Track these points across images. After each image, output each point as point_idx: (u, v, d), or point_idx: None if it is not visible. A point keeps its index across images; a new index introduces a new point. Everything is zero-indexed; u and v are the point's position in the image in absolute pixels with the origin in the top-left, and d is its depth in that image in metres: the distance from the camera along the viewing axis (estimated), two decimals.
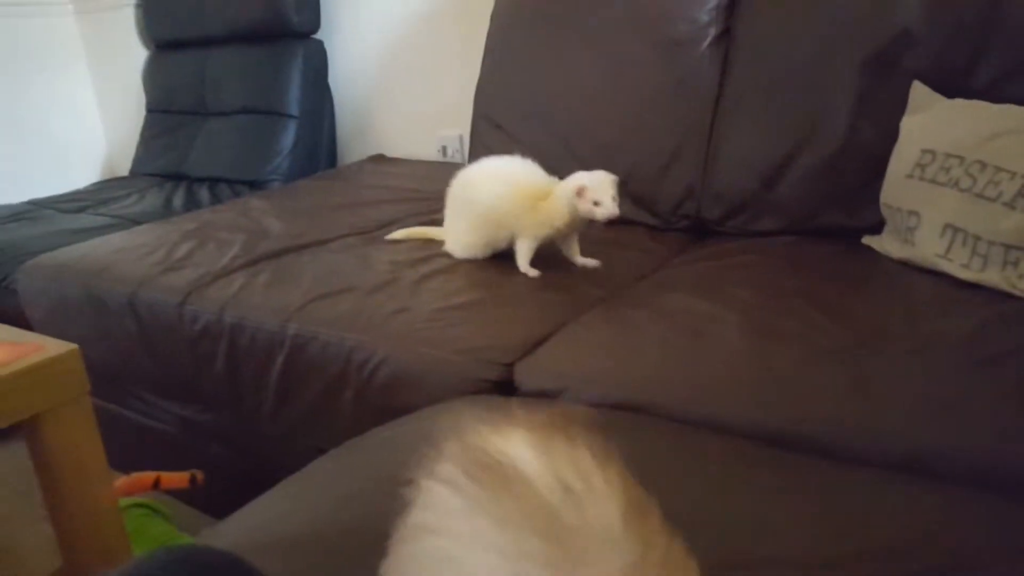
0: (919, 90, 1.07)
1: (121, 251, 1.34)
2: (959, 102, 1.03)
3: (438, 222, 1.24)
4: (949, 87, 1.05)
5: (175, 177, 2.09)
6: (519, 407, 0.52)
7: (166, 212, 1.79)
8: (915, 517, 0.56)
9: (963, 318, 0.84)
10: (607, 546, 0.29)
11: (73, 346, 0.77)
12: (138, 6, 2.25)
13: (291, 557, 0.54)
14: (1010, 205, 0.88)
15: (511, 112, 1.47)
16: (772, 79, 1.20)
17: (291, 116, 1.94)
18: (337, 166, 2.06)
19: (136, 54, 2.29)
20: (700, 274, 1.07)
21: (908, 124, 1.06)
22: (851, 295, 0.95)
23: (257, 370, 1.07)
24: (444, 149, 1.90)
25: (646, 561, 0.29)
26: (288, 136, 1.94)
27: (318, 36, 1.99)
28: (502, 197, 1.09)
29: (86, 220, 1.77)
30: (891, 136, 1.07)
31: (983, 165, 0.92)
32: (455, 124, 1.82)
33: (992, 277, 0.89)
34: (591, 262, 1.12)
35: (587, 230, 1.10)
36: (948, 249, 0.94)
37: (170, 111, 2.21)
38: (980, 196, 0.91)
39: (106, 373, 1.28)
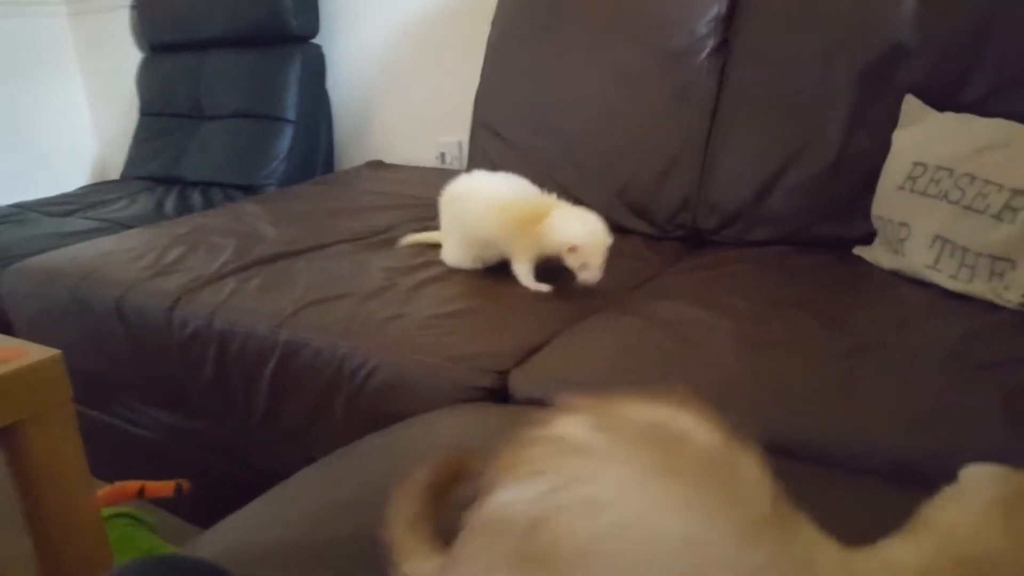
0: (911, 103, 1.08)
1: (109, 255, 1.33)
2: (949, 116, 1.04)
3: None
4: (940, 101, 1.06)
5: (168, 181, 2.07)
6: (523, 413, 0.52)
7: (157, 216, 1.77)
8: (904, 524, 0.56)
9: (951, 328, 0.85)
10: (755, 488, 0.33)
11: (56, 352, 0.76)
12: (132, 8, 2.24)
13: (277, 568, 0.53)
14: (997, 217, 0.89)
15: (510, 120, 1.47)
16: (768, 91, 1.21)
17: (288, 120, 1.93)
18: (334, 171, 2.05)
19: (130, 56, 2.28)
20: (695, 283, 1.07)
21: (900, 137, 1.07)
22: (843, 304, 0.95)
23: (247, 377, 1.05)
24: (443, 156, 1.90)
25: (780, 499, 0.34)
26: (284, 141, 1.93)
27: (316, 40, 1.99)
28: (491, 221, 1.06)
29: (74, 224, 1.75)
30: (883, 148, 1.08)
31: (972, 178, 0.93)
32: (454, 131, 1.82)
33: (979, 288, 0.90)
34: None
35: None
36: (937, 260, 0.95)
37: (164, 114, 2.19)
38: (969, 208, 0.92)
39: (91, 379, 1.26)
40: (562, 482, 0.33)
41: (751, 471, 0.34)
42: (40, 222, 1.79)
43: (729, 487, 0.33)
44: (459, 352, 0.90)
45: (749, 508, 0.33)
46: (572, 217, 1.02)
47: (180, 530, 1.16)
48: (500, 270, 1.11)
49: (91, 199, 1.97)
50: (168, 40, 2.18)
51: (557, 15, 1.43)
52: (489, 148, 1.48)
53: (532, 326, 0.96)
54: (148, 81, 2.24)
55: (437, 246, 1.21)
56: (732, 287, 1.02)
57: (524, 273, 1.08)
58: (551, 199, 1.07)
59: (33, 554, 0.78)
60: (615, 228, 1.04)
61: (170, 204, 1.88)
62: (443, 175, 1.28)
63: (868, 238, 1.10)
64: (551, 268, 1.05)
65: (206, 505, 0.91)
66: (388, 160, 1.98)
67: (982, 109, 1.01)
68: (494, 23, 1.54)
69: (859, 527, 0.55)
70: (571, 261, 0.99)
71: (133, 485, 1.04)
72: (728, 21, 1.26)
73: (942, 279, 0.94)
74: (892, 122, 1.09)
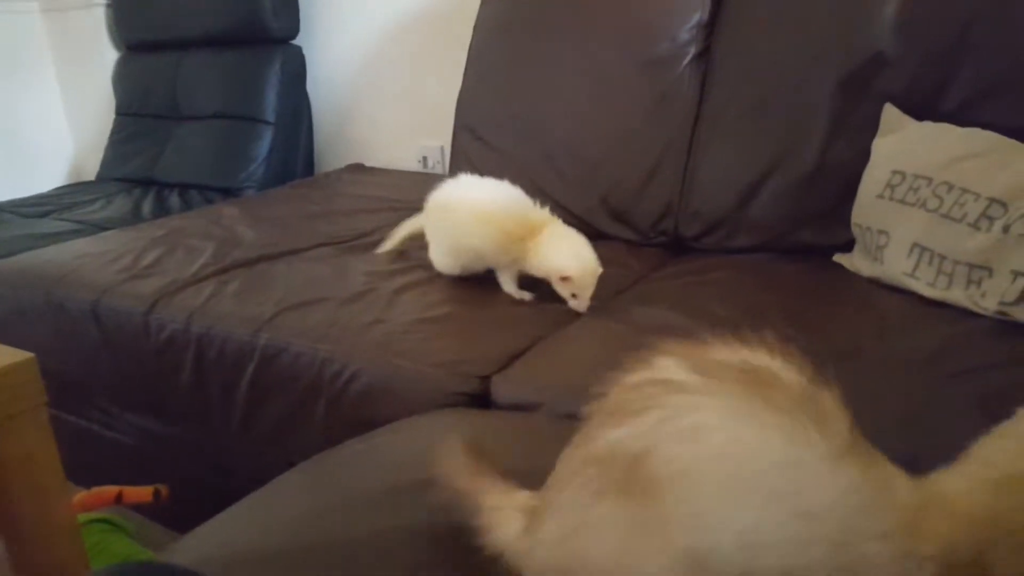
0: (890, 112, 1.10)
1: (85, 257, 1.30)
2: (928, 125, 1.05)
3: None
4: (919, 110, 1.07)
5: (144, 182, 2.03)
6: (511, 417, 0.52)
7: (134, 218, 1.74)
8: None
9: (928, 335, 0.86)
10: (837, 419, 0.37)
11: (29, 355, 0.74)
12: (108, 6, 2.20)
13: (255, 574, 0.52)
14: (974, 226, 0.90)
15: (493, 124, 1.47)
16: (749, 99, 1.22)
17: (267, 122, 1.91)
18: (314, 175, 2.03)
19: (105, 55, 2.24)
20: (677, 289, 1.08)
21: (879, 145, 1.09)
22: (822, 311, 0.96)
23: (225, 381, 1.04)
24: (424, 160, 1.90)
25: (857, 431, 0.38)
26: (263, 143, 1.91)
27: (297, 42, 1.97)
28: (479, 236, 1.04)
29: (49, 225, 1.71)
30: (863, 157, 1.09)
31: (950, 186, 0.95)
32: (436, 135, 1.82)
33: (956, 295, 0.91)
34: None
35: None
36: (915, 268, 0.96)
37: (141, 114, 2.15)
38: (946, 216, 0.93)
39: (67, 383, 1.23)
40: (667, 415, 0.37)
41: (832, 405, 0.38)
42: (13, 223, 1.75)
43: (816, 417, 0.37)
44: (441, 357, 0.89)
45: (835, 436, 0.37)
46: (564, 245, 1.00)
47: (158, 536, 1.14)
48: (483, 275, 1.11)
49: (66, 200, 1.93)
50: (144, 39, 2.15)
51: (539, 20, 1.43)
52: (471, 152, 1.48)
53: (514, 332, 0.96)
54: (124, 81, 2.21)
55: (416, 240, 1.19)
56: (713, 293, 1.03)
57: (507, 281, 1.07)
58: (542, 213, 1.05)
59: (7, 561, 0.76)
60: (597, 234, 1.04)
61: (147, 206, 1.84)
62: (425, 179, 1.28)
63: (848, 246, 1.12)
64: (534, 276, 1.05)
65: (184, 510, 0.89)
66: (369, 163, 1.97)
67: (960, 119, 1.03)
68: (476, 27, 1.54)
69: None
70: (561, 289, 0.99)
71: (110, 490, 1.02)
72: (710, 28, 1.27)
73: (920, 287, 0.95)
74: (872, 131, 1.10)
